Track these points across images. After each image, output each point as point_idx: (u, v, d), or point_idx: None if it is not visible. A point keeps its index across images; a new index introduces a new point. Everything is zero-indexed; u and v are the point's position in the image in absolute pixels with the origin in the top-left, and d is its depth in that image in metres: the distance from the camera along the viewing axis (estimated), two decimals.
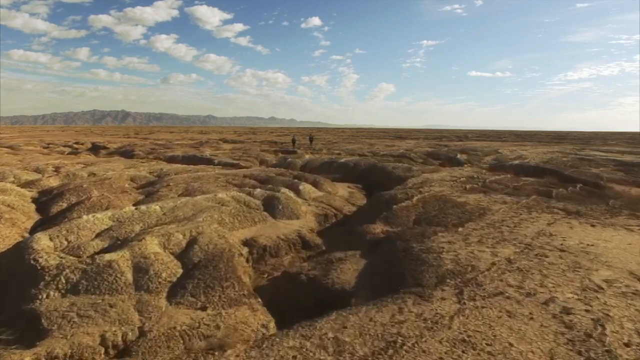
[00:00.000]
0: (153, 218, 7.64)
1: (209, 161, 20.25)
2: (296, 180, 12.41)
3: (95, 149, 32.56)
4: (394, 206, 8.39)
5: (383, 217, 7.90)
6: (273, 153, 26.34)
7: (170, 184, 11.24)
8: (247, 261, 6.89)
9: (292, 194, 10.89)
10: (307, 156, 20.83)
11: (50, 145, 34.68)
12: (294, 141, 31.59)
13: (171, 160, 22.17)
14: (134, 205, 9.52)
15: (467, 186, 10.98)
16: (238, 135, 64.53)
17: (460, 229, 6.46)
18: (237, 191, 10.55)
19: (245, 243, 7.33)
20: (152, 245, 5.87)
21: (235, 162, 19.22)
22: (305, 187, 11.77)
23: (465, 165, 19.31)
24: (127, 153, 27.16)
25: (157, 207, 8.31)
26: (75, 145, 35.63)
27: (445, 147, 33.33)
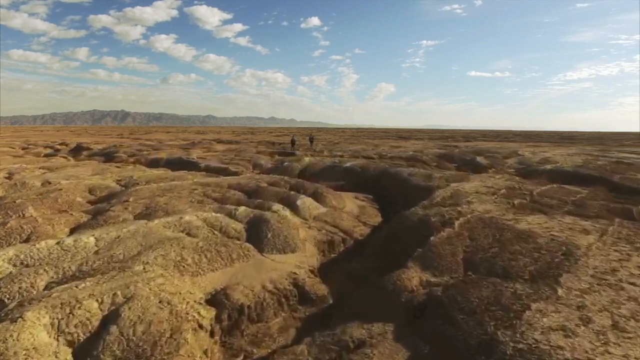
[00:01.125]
0: (76, 260, 5.10)
1: (194, 165, 17.74)
2: (293, 193, 9.89)
3: (78, 150, 30.05)
4: (431, 238, 5.86)
5: (418, 257, 5.37)
6: (269, 155, 23.82)
7: (130, 199, 8.70)
8: (212, 334, 4.38)
9: (287, 212, 8.36)
10: (306, 159, 18.33)
11: (31, 146, 32.20)
12: (293, 142, 29.02)
13: (153, 163, 19.66)
14: (71, 230, 7.01)
15: (515, 202, 8.46)
16: (235, 135, 62.03)
17: (558, 290, 3.94)
18: (215, 210, 8.02)
19: (213, 300, 4.80)
20: (34, 328, 3.35)
21: (223, 166, 16.70)
22: (304, 201, 9.26)
23: (490, 171, 16.79)
24: (109, 155, 24.65)
25: (92, 239, 5.78)
26: (58, 146, 33.11)
27: (455, 149, 30.83)
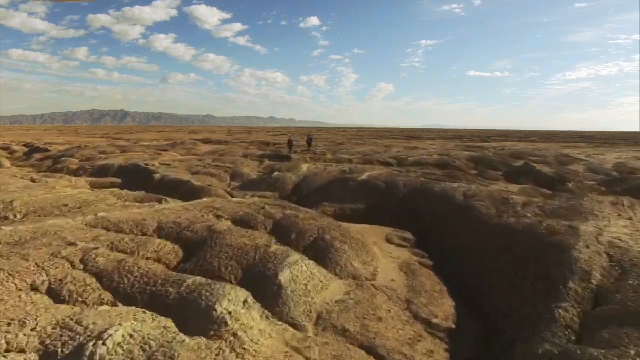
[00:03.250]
0: None
1: (148, 175, 12.80)
2: (275, 251, 4.87)
3: (30, 153, 25.12)
4: None
5: None
6: (258, 159, 18.84)
7: None
8: None
9: (252, 317, 3.42)
10: (305, 166, 13.42)
11: None
12: (290, 144, 23.75)
13: (100, 172, 14.72)
14: None
15: None
16: (228, 135, 57.08)
17: None
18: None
19: None
20: None
21: (186, 179, 11.72)
22: (295, 274, 4.31)
23: (569, 184, 11.79)
24: (58, 160, 19.71)
25: None
26: (14, 147, 28.21)
27: (482, 150, 25.87)
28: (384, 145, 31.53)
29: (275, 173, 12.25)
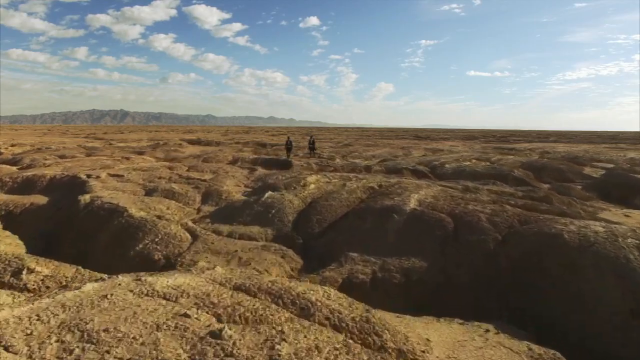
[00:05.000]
0: None
1: (82, 192, 8.47)
2: None
3: None
4: None
5: None
6: (249, 166, 14.53)
7: None
8: None
9: None
10: (311, 179, 9.13)
11: None
12: (288, 146, 19.10)
13: (24, 187, 10.41)
14: None
15: None
16: (222, 135, 52.77)
17: None
18: None
19: None
20: None
21: (124, 206, 7.32)
22: None
23: None
24: None
25: None
26: None
27: (518, 153, 21.56)
28: (399, 146, 27.20)
29: (268, 194, 7.89)
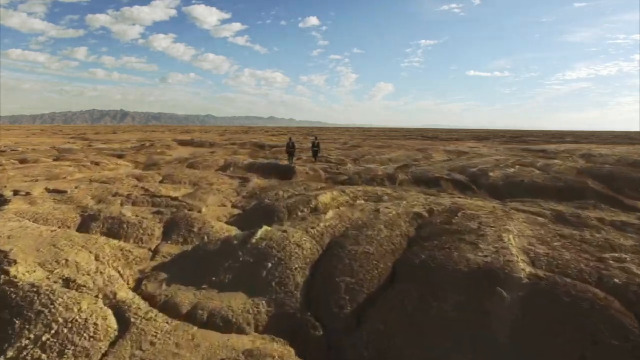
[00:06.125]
0: None
1: None
2: None
3: None
4: None
5: None
6: (241, 176, 11.60)
7: None
8: None
9: None
10: (325, 200, 6.28)
11: None
12: (290, 149, 15.94)
13: None
14: None
15: None
16: (219, 135, 49.82)
17: None
18: None
19: None
20: None
21: (8, 259, 4.49)
22: None
23: None
24: None
25: None
26: None
27: (550, 156, 18.68)
28: (414, 148, 24.25)
29: (262, 231, 4.97)
